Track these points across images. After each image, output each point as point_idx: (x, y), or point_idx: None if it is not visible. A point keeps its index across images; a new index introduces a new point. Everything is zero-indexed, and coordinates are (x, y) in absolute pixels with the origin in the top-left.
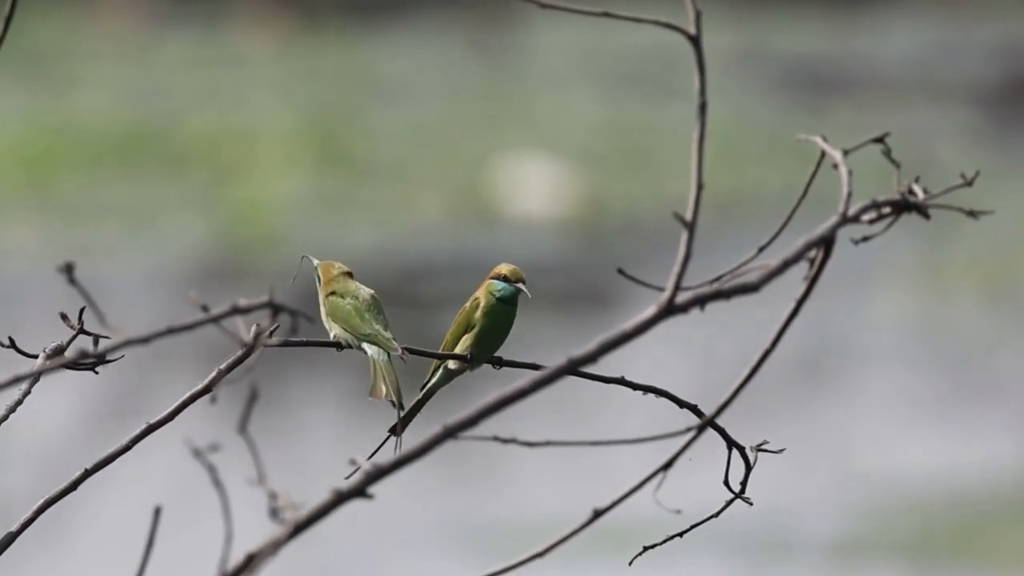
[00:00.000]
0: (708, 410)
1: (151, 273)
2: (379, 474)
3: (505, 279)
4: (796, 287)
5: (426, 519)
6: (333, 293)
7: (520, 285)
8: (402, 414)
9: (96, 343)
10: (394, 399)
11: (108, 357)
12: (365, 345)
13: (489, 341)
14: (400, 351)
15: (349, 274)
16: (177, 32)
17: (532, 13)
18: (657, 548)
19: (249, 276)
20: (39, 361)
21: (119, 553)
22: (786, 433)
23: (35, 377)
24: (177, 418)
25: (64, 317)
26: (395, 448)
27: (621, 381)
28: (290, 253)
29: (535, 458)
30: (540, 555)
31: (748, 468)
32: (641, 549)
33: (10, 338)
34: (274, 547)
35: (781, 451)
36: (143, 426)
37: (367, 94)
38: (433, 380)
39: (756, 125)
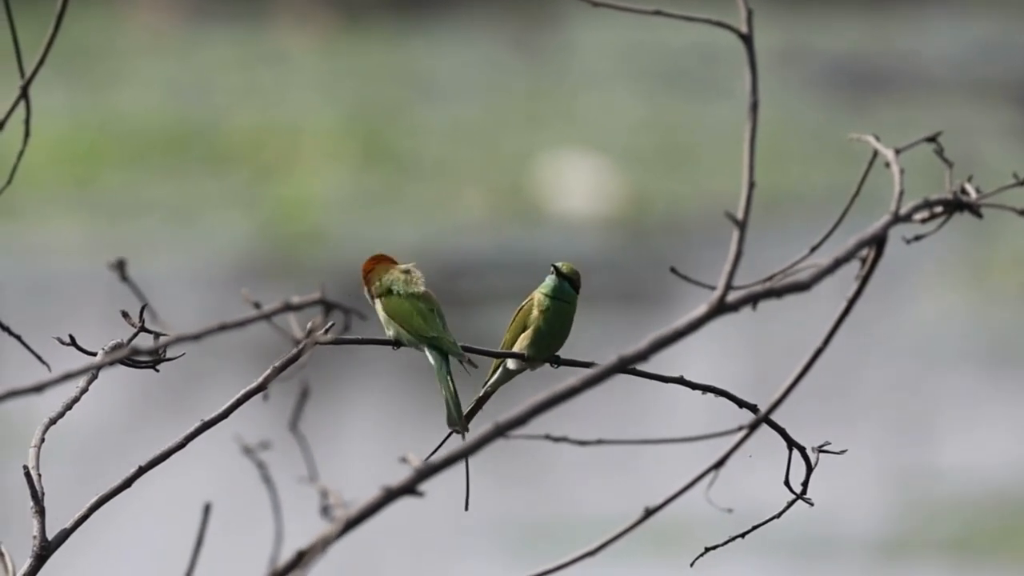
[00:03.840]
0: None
1: (194, 270)
2: (429, 471)
3: (558, 274)
4: (846, 286)
5: (477, 518)
6: (390, 292)
7: (563, 280)
8: (466, 411)
9: (156, 340)
10: (460, 428)
11: (165, 354)
12: (426, 349)
13: (546, 340)
14: (466, 357)
15: (407, 271)
16: (220, 29)
17: (575, 11)
18: (701, 545)
19: (292, 273)
20: (98, 358)
21: (170, 549)
22: (830, 431)
23: (93, 374)
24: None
25: (125, 315)
26: (463, 436)
27: (680, 380)
28: (333, 250)
29: (586, 456)
30: (591, 554)
31: (809, 469)
32: (703, 550)
33: (71, 336)
34: (324, 544)
35: (843, 452)
36: (198, 423)
37: (410, 92)
38: (492, 379)
39: (798, 123)
